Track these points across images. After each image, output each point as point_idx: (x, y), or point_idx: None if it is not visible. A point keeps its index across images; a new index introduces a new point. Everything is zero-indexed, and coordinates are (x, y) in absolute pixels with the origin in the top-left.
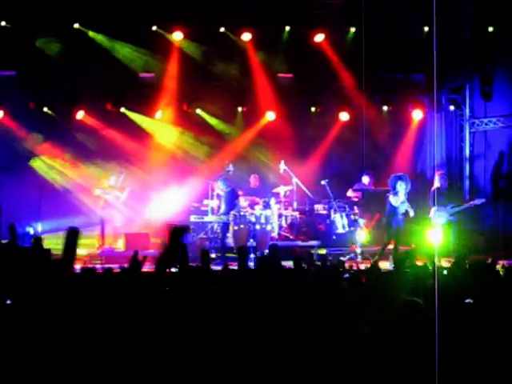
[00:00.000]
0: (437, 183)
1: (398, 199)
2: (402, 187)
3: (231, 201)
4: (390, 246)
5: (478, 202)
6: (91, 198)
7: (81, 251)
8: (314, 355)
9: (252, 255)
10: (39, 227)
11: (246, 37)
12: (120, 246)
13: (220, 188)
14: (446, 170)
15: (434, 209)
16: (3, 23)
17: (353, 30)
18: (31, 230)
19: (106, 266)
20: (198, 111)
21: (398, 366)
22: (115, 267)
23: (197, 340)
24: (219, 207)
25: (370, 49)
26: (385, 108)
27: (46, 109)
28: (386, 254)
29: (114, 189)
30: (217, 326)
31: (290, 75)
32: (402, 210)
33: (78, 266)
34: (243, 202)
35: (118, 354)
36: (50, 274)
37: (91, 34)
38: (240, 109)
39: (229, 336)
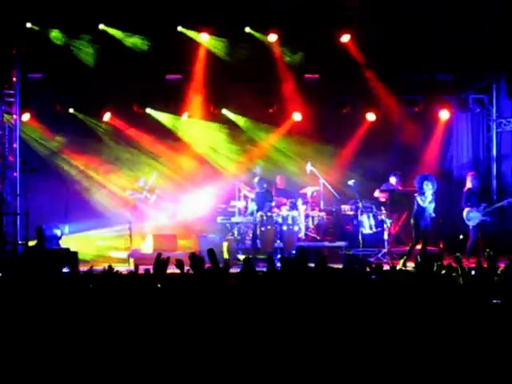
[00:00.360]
0: (469, 184)
1: (426, 199)
2: (428, 187)
3: (263, 202)
4: (418, 247)
5: (509, 201)
6: (120, 199)
7: (110, 253)
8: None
9: (279, 256)
10: (66, 229)
11: (273, 37)
12: (148, 247)
13: (248, 190)
14: (473, 170)
15: (466, 209)
16: (29, 25)
17: (379, 30)
18: (58, 232)
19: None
20: (225, 112)
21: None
22: (140, 269)
23: (215, 339)
24: (246, 208)
25: (397, 49)
26: (411, 108)
27: (72, 110)
28: (414, 254)
29: (143, 190)
30: (236, 327)
31: (317, 76)
32: (429, 210)
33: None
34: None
35: (141, 356)
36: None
37: (117, 34)
38: (267, 109)
39: (248, 338)
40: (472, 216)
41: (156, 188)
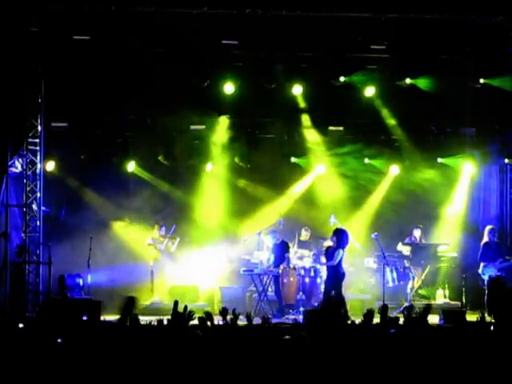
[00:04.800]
0: (485, 238)
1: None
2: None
3: (281, 253)
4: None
5: None
6: (142, 249)
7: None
8: None
9: (301, 308)
10: (89, 279)
11: (297, 89)
12: (169, 297)
13: (269, 241)
14: (498, 224)
15: (482, 264)
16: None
17: (404, 82)
18: (81, 282)
19: (150, 318)
20: (249, 164)
21: None
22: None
23: None
24: (269, 260)
25: (421, 102)
26: (436, 160)
27: (97, 160)
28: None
29: (164, 239)
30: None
31: (341, 128)
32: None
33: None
34: (293, 254)
35: None
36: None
37: None
38: (291, 160)
39: None
40: (487, 271)
41: (177, 237)
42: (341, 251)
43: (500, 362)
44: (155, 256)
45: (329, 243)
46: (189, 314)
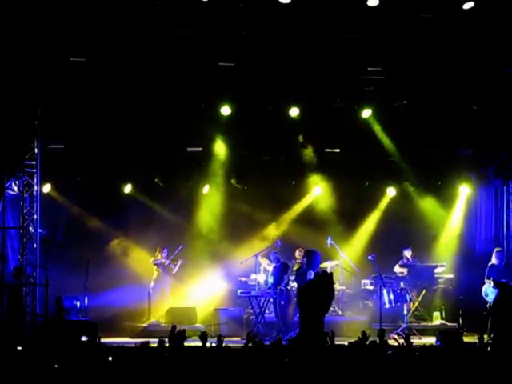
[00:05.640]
0: (493, 260)
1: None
2: None
3: (280, 275)
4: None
5: None
6: (140, 270)
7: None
8: None
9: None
10: (86, 301)
11: (294, 111)
12: (166, 319)
13: (268, 263)
14: (494, 246)
15: (485, 285)
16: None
17: (399, 104)
18: (78, 304)
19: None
20: (246, 185)
21: None
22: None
23: None
24: (266, 282)
25: (417, 124)
26: (432, 183)
27: (93, 182)
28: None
29: (167, 260)
30: None
31: (337, 150)
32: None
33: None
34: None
35: None
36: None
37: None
38: (288, 183)
39: None
40: (489, 292)
41: (179, 258)
42: (312, 273)
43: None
44: (156, 277)
45: (325, 265)
46: (181, 335)
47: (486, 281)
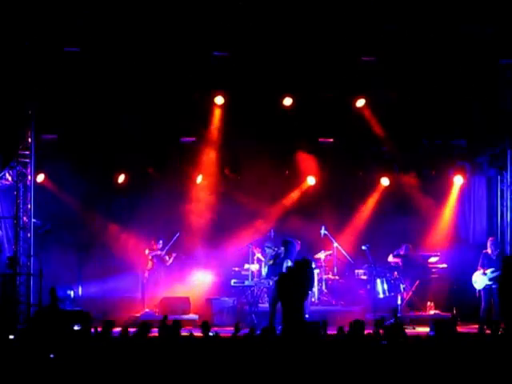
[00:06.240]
0: (488, 248)
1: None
2: None
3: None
4: (432, 312)
5: None
6: (136, 260)
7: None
8: None
9: None
10: (80, 290)
11: (287, 101)
12: (160, 309)
13: (261, 253)
14: (488, 235)
15: (476, 273)
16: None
17: (393, 95)
18: (72, 293)
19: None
20: (239, 175)
21: None
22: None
23: None
24: (260, 271)
25: (410, 114)
26: (425, 173)
27: (87, 171)
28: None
29: (162, 253)
30: None
31: (331, 140)
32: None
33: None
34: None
35: None
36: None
37: None
38: (281, 172)
39: None
40: (477, 279)
41: (174, 252)
42: (289, 262)
43: (494, 372)
44: (150, 267)
45: (319, 255)
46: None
47: (478, 268)
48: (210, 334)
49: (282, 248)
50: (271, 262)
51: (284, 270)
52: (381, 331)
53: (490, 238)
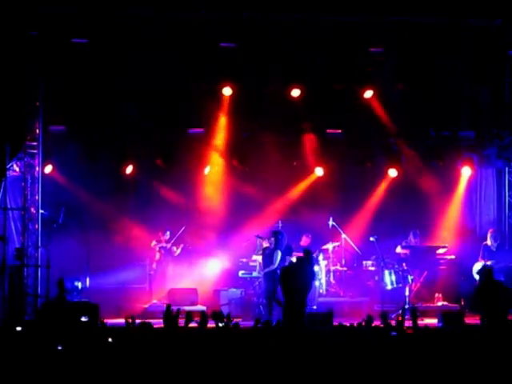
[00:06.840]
0: (488, 240)
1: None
2: None
3: (283, 257)
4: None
5: None
6: (143, 251)
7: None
8: None
9: None
10: (87, 282)
11: (295, 92)
12: (167, 300)
13: (257, 243)
14: (496, 227)
15: (476, 264)
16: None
17: (401, 86)
18: (79, 285)
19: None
20: (247, 166)
21: None
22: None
23: None
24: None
25: (418, 105)
26: (433, 165)
27: (95, 163)
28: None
29: (169, 243)
30: None
31: (339, 131)
32: None
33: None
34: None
35: None
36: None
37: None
38: (290, 163)
39: None
40: (478, 271)
41: (181, 243)
42: (279, 252)
43: (498, 363)
44: (157, 259)
45: (327, 246)
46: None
47: (479, 259)
48: (220, 324)
49: (272, 239)
50: (260, 253)
51: (274, 260)
52: (392, 322)
53: (490, 230)
